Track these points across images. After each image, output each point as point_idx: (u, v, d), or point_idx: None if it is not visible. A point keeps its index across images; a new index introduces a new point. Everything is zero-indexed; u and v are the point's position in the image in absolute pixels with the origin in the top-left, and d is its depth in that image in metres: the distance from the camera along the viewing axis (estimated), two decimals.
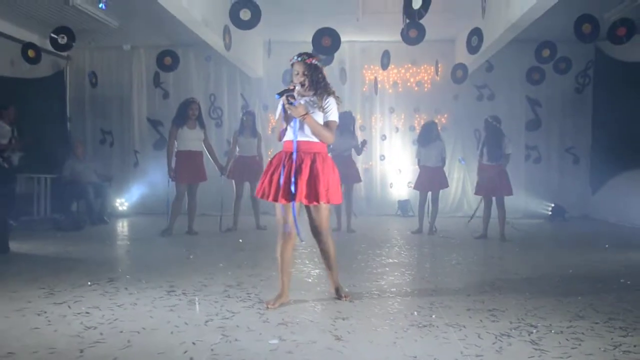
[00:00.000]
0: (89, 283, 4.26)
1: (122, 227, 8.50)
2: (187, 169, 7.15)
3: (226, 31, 7.58)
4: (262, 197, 3.67)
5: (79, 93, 10.65)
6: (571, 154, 10.45)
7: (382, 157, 10.68)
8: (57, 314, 3.41)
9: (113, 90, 10.58)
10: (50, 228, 7.78)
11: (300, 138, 3.60)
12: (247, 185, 7.83)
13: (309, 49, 7.64)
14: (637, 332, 3.10)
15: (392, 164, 10.65)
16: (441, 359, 2.65)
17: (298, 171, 3.56)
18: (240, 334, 3.03)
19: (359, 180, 8.11)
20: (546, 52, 8.22)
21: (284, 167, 3.58)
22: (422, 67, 10.47)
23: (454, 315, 3.44)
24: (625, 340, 2.96)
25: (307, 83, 3.67)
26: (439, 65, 9.84)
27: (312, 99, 3.66)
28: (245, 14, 6.06)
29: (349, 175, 7.64)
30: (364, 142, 7.92)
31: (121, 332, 3.06)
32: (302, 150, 3.60)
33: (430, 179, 7.69)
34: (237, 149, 7.79)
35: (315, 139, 3.61)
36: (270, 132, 10.43)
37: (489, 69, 9.93)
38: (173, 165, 7.12)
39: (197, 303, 3.69)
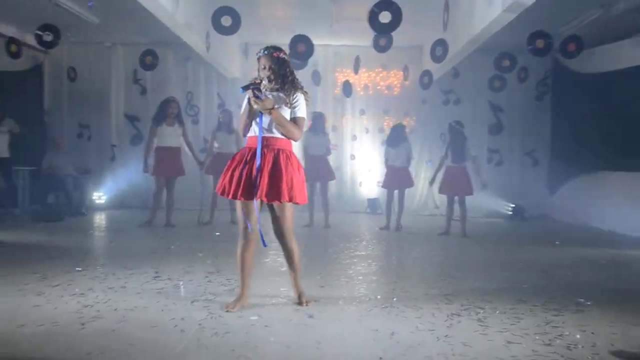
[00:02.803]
0: (79, 269, 4.58)
1: (101, 219, 8.73)
2: (165, 164, 7.55)
3: (208, 34, 7.91)
4: (222, 194, 3.52)
5: (57, 87, 10.77)
6: (531, 157, 11.05)
7: (353, 157, 11.11)
8: (54, 294, 3.74)
9: (91, 86, 10.72)
10: (30, 219, 7.98)
11: (264, 134, 3.49)
12: None
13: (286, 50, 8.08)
14: (567, 312, 3.61)
15: (362, 164, 11.09)
16: (399, 332, 3.09)
17: (261, 168, 3.43)
18: (223, 312, 3.41)
19: (334, 177, 8.56)
20: (506, 62, 8.77)
21: (245, 163, 3.47)
22: (392, 72, 10.93)
23: (412, 298, 3.89)
24: (556, 318, 3.46)
25: (273, 77, 3.55)
26: (408, 71, 10.33)
27: (279, 94, 3.53)
28: (226, 21, 6.44)
29: (324, 173, 8.13)
30: (334, 146, 8.42)
31: (116, 309, 3.41)
32: (266, 146, 3.47)
33: (397, 178, 8.16)
34: (216, 145, 8.12)
35: (279, 135, 3.50)
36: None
37: (455, 75, 10.46)
38: (150, 161, 7.55)
39: (182, 286, 4.06)
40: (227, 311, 3.42)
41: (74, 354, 2.63)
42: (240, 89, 3.46)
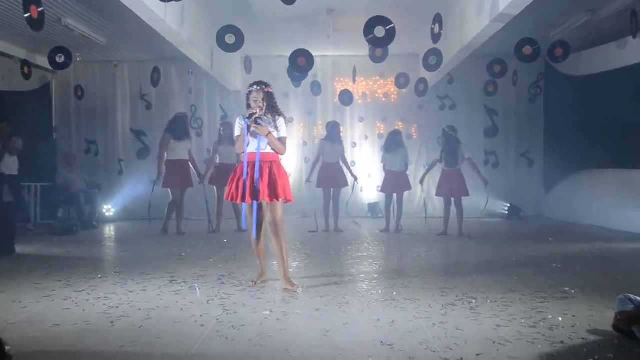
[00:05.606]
0: (99, 276, 4.91)
1: (111, 231, 9.06)
2: (179, 176, 7.99)
3: (212, 50, 8.28)
4: (231, 200, 4.51)
5: (65, 105, 11.14)
6: (526, 158, 11.38)
7: (353, 163, 11.34)
8: (80, 298, 4.07)
9: (98, 102, 11.09)
10: (44, 233, 8.31)
11: (261, 150, 4.42)
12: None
13: (285, 63, 8.41)
14: (553, 300, 3.93)
15: (362, 170, 11.39)
16: (398, 320, 3.42)
17: (260, 176, 4.37)
18: (238, 309, 3.74)
19: (346, 184, 8.87)
20: (497, 68, 9.13)
21: (247, 174, 4.39)
22: (389, 80, 11.25)
23: (411, 292, 4.21)
24: (542, 305, 3.79)
25: (264, 107, 4.47)
26: (407, 79, 10.61)
27: (267, 118, 4.45)
28: (230, 39, 6.80)
29: (338, 181, 8.51)
30: (355, 178, 8.90)
31: (139, 309, 3.74)
32: (262, 160, 4.41)
33: (395, 182, 8.49)
34: (218, 157, 8.47)
35: (271, 151, 4.46)
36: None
37: (450, 82, 10.82)
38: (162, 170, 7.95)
39: (197, 288, 4.39)
40: (252, 284, 4.47)
41: (109, 347, 2.95)
42: (245, 120, 4.38)
